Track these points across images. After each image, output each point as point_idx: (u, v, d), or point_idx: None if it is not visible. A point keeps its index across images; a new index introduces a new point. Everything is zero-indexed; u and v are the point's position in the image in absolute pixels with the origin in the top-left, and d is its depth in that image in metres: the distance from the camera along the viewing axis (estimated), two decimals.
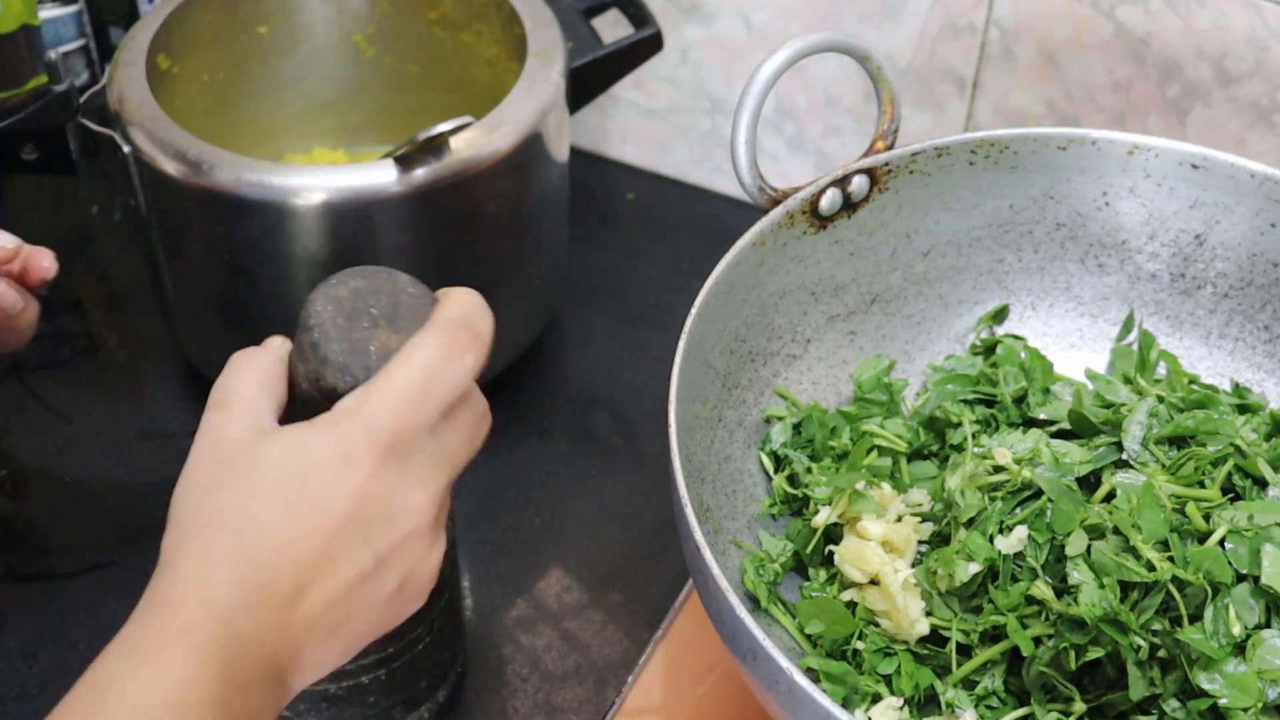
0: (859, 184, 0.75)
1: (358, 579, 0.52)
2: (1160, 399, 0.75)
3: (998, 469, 0.69)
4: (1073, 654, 0.62)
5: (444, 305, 0.57)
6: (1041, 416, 0.75)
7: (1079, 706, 0.63)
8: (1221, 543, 0.63)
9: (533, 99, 0.82)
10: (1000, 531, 0.66)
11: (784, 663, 0.56)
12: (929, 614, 0.67)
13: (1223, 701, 0.60)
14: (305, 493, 0.52)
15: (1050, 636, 0.64)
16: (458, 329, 0.55)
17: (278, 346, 0.58)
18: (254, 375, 0.56)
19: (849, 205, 0.76)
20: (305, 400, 0.57)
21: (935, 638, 0.67)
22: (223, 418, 0.54)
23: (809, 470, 0.74)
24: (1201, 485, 0.68)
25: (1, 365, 0.95)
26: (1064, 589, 0.64)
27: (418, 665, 0.71)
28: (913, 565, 0.69)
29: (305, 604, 0.51)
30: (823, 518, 0.71)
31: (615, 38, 0.90)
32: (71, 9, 0.99)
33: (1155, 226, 0.79)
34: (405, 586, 0.54)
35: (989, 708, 0.66)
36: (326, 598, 0.52)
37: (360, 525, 0.52)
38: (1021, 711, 0.65)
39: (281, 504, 0.51)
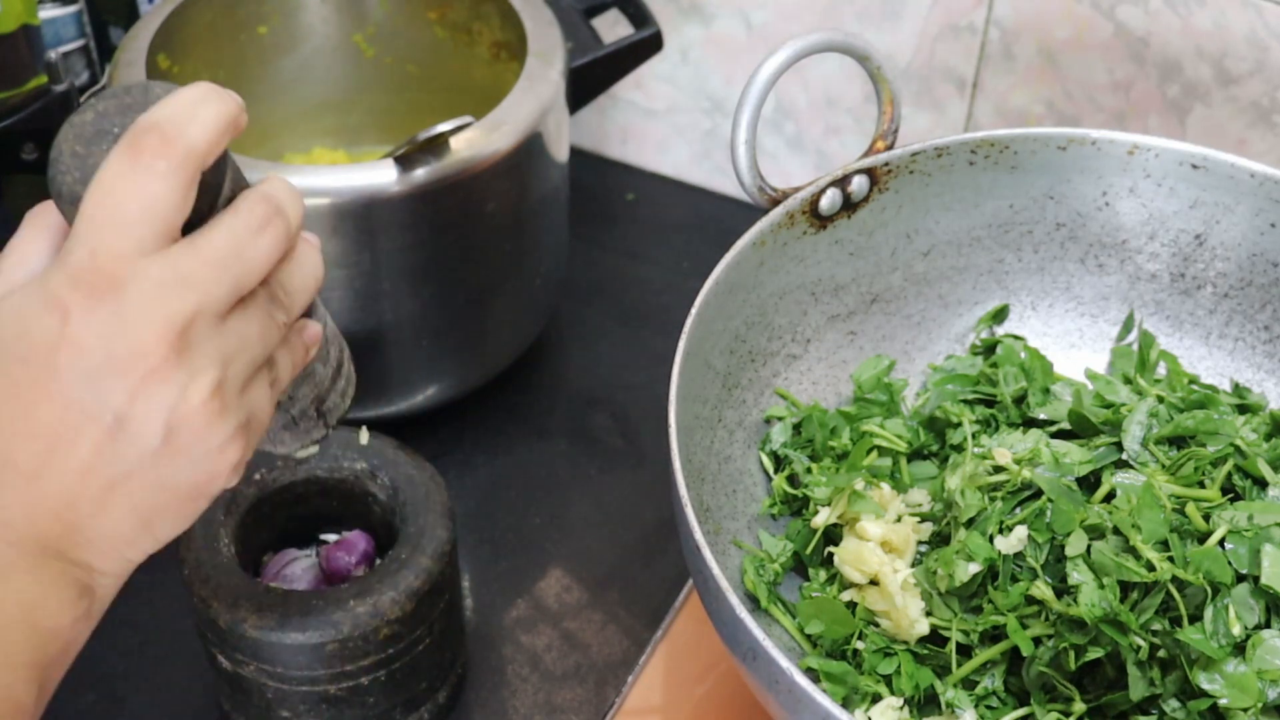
0: (859, 184, 0.75)
1: (104, 438, 0.47)
2: (1160, 399, 0.75)
3: (998, 469, 0.69)
4: (1073, 654, 0.62)
5: (150, 110, 0.48)
6: (1041, 416, 0.75)
7: (1079, 706, 0.63)
8: (1221, 543, 0.63)
9: (533, 99, 0.82)
10: (1000, 531, 0.66)
11: (784, 663, 0.56)
12: (929, 614, 0.67)
13: (1223, 701, 0.60)
14: (22, 359, 0.47)
15: (1050, 636, 0.64)
16: (141, 135, 0.47)
17: (50, 212, 0.52)
18: (26, 232, 0.51)
19: (849, 205, 0.76)
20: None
21: (935, 638, 0.67)
22: None
23: (809, 470, 0.74)
24: (1201, 485, 0.68)
25: None
26: (1064, 589, 0.64)
27: (417, 666, 0.71)
28: (912, 565, 0.69)
29: (52, 476, 0.48)
30: (822, 518, 0.71)
31: (615, 38, 0.90)
32: (71, 9, 0.99)
33: (1155, 226, 0.79)
34: (175, 437, 0.48)
35: (989, 708, 0.66)
36: (75, 465, 0.47)
37: (85, 379, 0.47)
38: (1021, 711, 0.65)
39: (4, 378, 0.47)
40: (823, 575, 0.72)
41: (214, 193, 0.50)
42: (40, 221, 0.51)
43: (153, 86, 0.50)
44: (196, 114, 0.48)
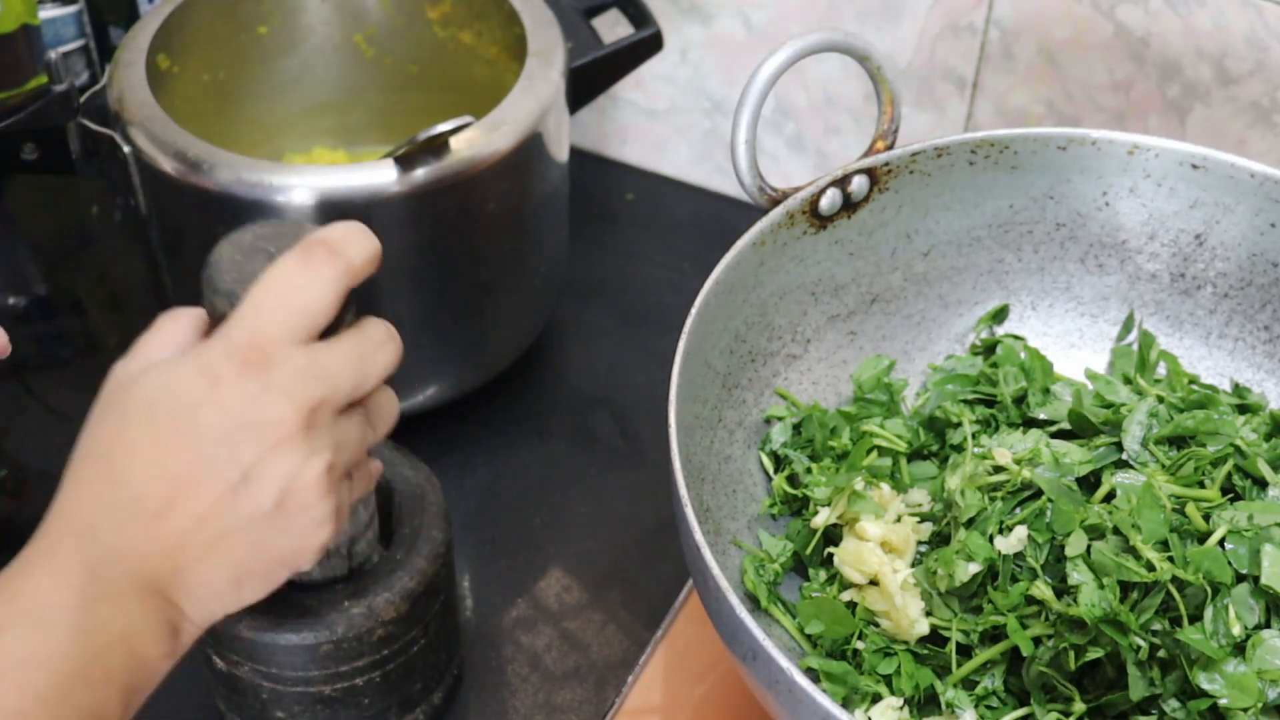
0: (859, 184, 0.75)
1: (226, 491, 0.53)
2: (1160, 399, 0.75)
3: (998, 469, 0.69)
4: (1073, 654, 0.62)
5: (314, 231, 0.57)
6: (1041, 416, 0.75)
7: (1079, 706, 0.63)
8: (1221, 543, 0.63)
9: (533, 99, 0.82)
10: (1000, 531, 0.66)
11: (784, 663, 0.56)
12: (929, 614, 0.67)
13: (1223, 701, 0.60)
14: (170, 411, 0.53)
15: (1050, 636, 0.64)
16: (313, 246, 0.55)
17: (194, 312, 0.59)
18: (164, 326, 0.57)
19: (849, 205, 0.76)
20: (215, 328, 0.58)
21: (935, 638, 0.67)
22: (120, 365, 0.56)
23: (809, 470, 0.74)
24: (1201, 485, 0.68)
25: (1, 365, 0.95)
26: (1064, 589, 0.64)
27: (412, 668, 0.71)
28: (912, 565, 0.69)
29: (173, 517, 0.53)
30: (822, 518, 0.71)
31: (615, 38, 0.90)
32: (71, 9, 0.99)
33: (1155, 226, 0.79)
34: (286, 503, 0.54)
35: (989, 708, 0.66)
36: (196, 511, 0.53)
37: (223, 437, 0.53)
38: (1021, 711, 0.65)
39: (148, 425, 0.53)
40: (823, 575, 0.72)
41: (344, 314, 0.57)
42: (176, 320, 0.58)
43: (304, 225, 0.58)
44: (354, 240, 0.56)
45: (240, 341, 0.54)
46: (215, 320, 0.57)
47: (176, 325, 0.58)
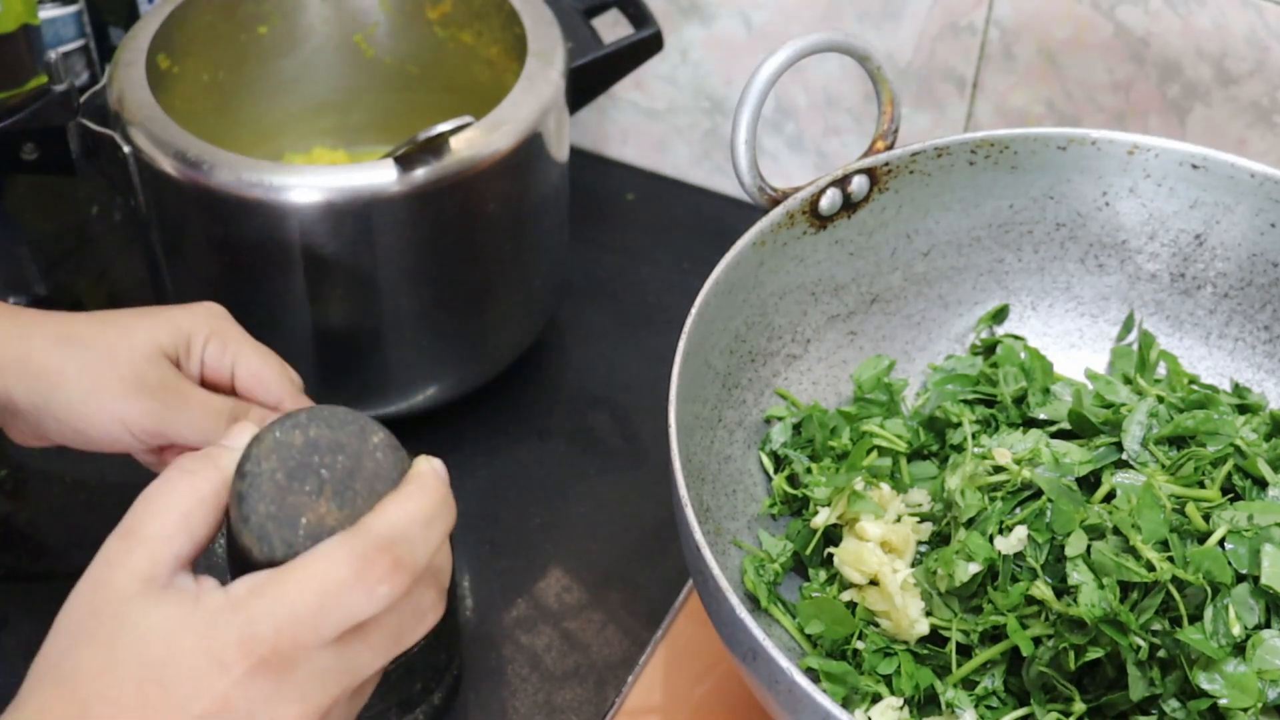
0: (859, 184, 0.75)
1: None
2: (1160, 399, 0.75)
3: (998, 469, 0.69)
4: (1072, 654, 0.62)
5: (380, 511, 0.50)
6: (1041, 416, 0.75)
7: (1079, 706, 0.63)
8: (1221, 543, 0.63)
9: (533, 99, 0.82)
10: (1000, 531, 0.66)
11: (784, 663, 0.56)
12: (929, 614, 0.67)
13: (1223, 701, 0.60)
14: (163, 684, 0.47)
15: (1050, 636, 0.64)
16: (377, 553, 0.48)
17: (224, 466, 0.51)
18: (178, 505, 0.50)
19: (849, 205, 0.76)
20: (232, 541, 0.52)
21: (935, 638, 0.67)
22: (120, 551, 0.49)
23: (809, 470, 0.74)
24: (1201, 485, 0.68)
25: None
26: (1064, 589, 0.64)
27: (412, 668, 0.71)
28: (912, 565, 0.69)
29: None
30: (822, 518, 0.71)
31: (615, 38, 0.90)
32: (71, 9, 0.99)
33: (1155, 226, 0.79)
34: None
35: (989, 708, 0.66)
36: None
37: None
38: (1021, 711, 0.65)
39: (136, 688, 0.47)
40: (823, 575, 0.72)
41: None
42: (190, 481, 0.50)
43: (368, 427, 0.50)
44: (430, 537, 0.49)
45: (261, 637, 0.47)
46: (236, 540, 0.50)
47: (190, 492, 0.50)
